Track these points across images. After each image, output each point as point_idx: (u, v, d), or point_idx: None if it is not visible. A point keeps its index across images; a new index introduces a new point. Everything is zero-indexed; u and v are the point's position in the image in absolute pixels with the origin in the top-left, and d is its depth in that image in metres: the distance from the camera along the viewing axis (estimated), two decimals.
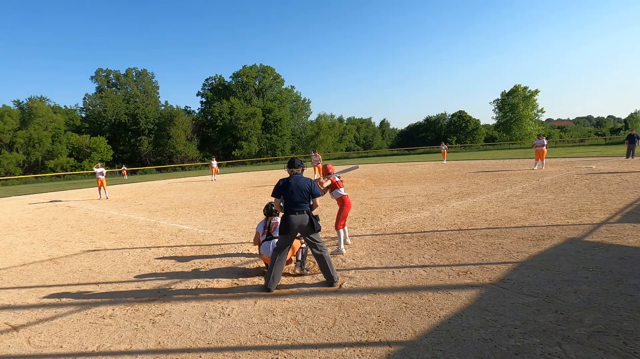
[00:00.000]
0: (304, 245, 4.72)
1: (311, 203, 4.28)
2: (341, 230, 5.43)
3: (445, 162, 26.88)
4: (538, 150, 16.65)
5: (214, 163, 25.60)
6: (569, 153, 28.37)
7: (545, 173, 14.75)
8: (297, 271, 4.68)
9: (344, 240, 5.61)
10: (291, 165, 4.40)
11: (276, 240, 4.51)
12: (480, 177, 14.90)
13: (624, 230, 5.59)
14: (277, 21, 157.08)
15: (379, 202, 10.03)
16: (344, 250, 5.40)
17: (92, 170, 16.57)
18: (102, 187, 16.65)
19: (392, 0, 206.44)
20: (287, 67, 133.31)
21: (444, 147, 28.15)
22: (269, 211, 5.04)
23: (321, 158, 16.39)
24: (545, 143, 16.67)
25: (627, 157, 19.30)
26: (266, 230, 4.86)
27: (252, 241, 5.24)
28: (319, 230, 4.23)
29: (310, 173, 23.93)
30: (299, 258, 4.67)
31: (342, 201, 5.51)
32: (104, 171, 16.95)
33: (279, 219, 4.67)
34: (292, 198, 4.14)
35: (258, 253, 5.04)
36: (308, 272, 4.66)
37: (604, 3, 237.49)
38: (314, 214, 4.24)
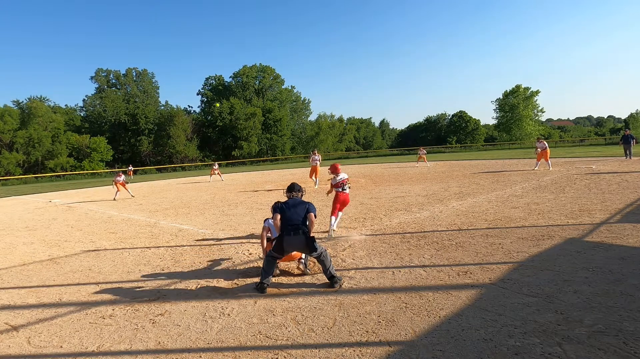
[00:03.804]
0: None
1: (307, 223, 4.21)
2: (333, 217, 6.45)
3: (419, 164, 25.69)
4: (541, 152, 16.54)
5: (216, 167, 25.06)
6: (569, 153, 28.37)
7: (545, 173, 14.76)
8: (301, 267, 4.71)
9: (332, 225, 6.48)
10: (290, 189, 4.52)
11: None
12: (480, 177, 14.90)
13: (624, 230, 5.59)
14: (277, 21, 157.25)
15: (379, 202, 10.03)
16: (332, 234, 6.33)
17: (114, 177, 17.04)
18: (119, 190, 16.87)
19: (392, 0, 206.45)
20: (287, 67, 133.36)
21: (422, 151, 26.63)
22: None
23: (321, 158, 16.28)
24: (546, 145, 16.69)
25: (626, 158, 19.36)
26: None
27: (260, 238, 4.79)
28: (315, 251, 4.12)
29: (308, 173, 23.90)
30: (303, 256, 4.69)
31: (340, 197, 6.51)
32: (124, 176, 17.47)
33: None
34: (289, 218, 4.15)
35: (263, 252, 4.65)
36: (309, 272, 4.66)
37: (605, 3, 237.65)
38: (311, 235, 4.18)
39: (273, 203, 4.51)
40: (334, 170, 6.66)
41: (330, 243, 5.93)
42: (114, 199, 16.37)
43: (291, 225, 4.13)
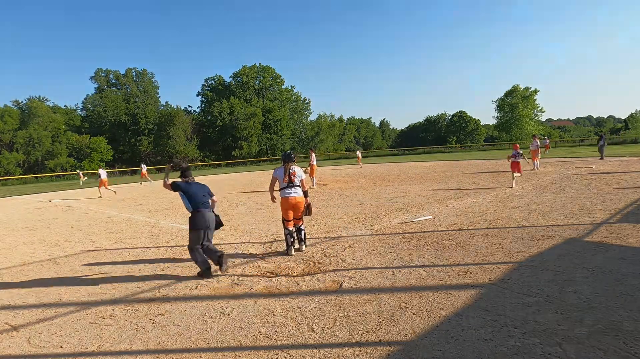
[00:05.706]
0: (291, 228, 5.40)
1: (211, 202, 4.86)
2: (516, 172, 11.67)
3: (361, 166, 28.54)
4: (534, 151, 16.86)
5: (144, 168, 26.41)
6: (569, 153, 28.37)
7: (545, 173, 14.75)
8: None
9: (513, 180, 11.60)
10: (186, 174, 5.01)
11: (297, 188, 5.36)
12: (480, 177, 14.90)
13: (624, 230, 5.59)
14: (277, 21, 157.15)
15: (379, 202, 10.03)
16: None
17: (98, 171, 18.21)
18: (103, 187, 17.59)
19: (391, 0, 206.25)
20: (287, 67, 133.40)
21: (359, 152, 31.23)
22: (288, 157, 5.54)
23: (314, 157, 16.07)
24: (538, 143, 17.11)
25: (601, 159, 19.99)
26: (287, 177, 5.35)
27: (269, 187, 5.63)
28: (222, 226, 4.92)
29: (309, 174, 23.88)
30: (302, 240, 5.56)
31: (517, 164, 11.71)
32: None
33: (297, 168, 5.46)
34: (198, 198, 4.68)
35: (272, 198, 5.69)
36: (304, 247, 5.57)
37: (605, 3, 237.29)
38: (216, 213, 4.84)
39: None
40: (516, 148, 12.06)
41: (330, 243, 5.94)
42: (99, 197, 17.04)
43: (202, 203, 4.67)
